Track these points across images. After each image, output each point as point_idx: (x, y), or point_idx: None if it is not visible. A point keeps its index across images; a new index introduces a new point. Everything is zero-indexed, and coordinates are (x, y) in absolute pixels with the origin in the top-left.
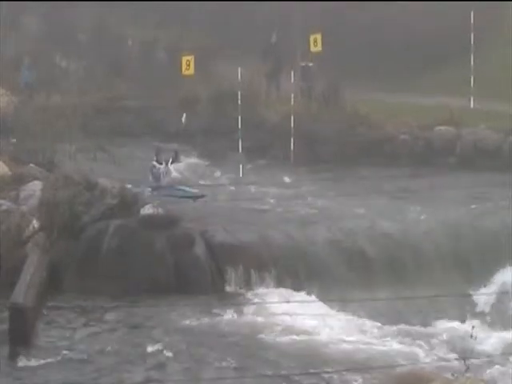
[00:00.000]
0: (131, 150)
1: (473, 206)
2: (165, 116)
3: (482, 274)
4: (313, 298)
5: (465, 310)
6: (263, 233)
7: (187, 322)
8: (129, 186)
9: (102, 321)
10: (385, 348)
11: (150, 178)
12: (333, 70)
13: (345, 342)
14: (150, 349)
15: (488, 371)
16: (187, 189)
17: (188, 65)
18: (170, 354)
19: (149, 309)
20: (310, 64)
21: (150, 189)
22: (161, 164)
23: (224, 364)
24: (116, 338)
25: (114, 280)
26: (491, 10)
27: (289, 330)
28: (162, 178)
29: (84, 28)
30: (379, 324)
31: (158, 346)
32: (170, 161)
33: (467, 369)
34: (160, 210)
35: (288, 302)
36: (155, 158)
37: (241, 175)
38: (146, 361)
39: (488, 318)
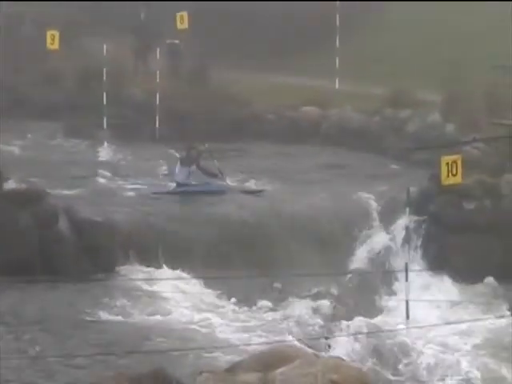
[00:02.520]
0: None
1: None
2: (30, 91)
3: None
4: (176, 275)
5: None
6: (124, 210)
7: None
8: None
9: None
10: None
11: (178, 174)
12: (202, 48)
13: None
14: None
15: (350, 349)
16: (213, 184)
17: (53, 39)
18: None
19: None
20: (177, 42)
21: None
22: (189, 162)
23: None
24: None
25: None
26: None
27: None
28: (190, 175)
29: None
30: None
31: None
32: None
33: (329, 347)
34: (23, 185)
35: (152, 279)
36: (184, 156)
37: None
38: None
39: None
